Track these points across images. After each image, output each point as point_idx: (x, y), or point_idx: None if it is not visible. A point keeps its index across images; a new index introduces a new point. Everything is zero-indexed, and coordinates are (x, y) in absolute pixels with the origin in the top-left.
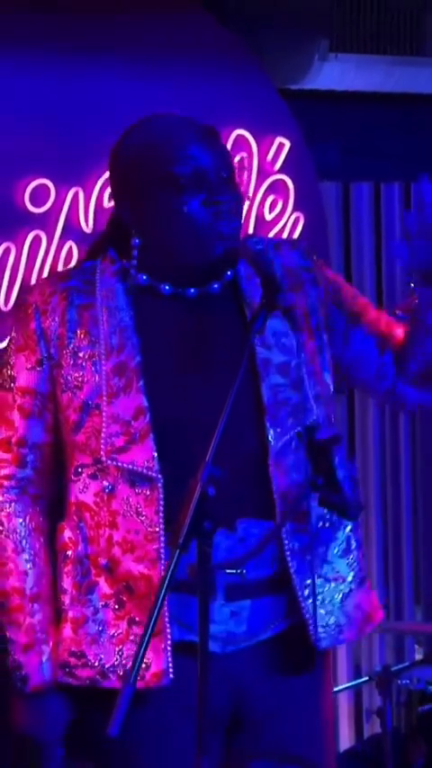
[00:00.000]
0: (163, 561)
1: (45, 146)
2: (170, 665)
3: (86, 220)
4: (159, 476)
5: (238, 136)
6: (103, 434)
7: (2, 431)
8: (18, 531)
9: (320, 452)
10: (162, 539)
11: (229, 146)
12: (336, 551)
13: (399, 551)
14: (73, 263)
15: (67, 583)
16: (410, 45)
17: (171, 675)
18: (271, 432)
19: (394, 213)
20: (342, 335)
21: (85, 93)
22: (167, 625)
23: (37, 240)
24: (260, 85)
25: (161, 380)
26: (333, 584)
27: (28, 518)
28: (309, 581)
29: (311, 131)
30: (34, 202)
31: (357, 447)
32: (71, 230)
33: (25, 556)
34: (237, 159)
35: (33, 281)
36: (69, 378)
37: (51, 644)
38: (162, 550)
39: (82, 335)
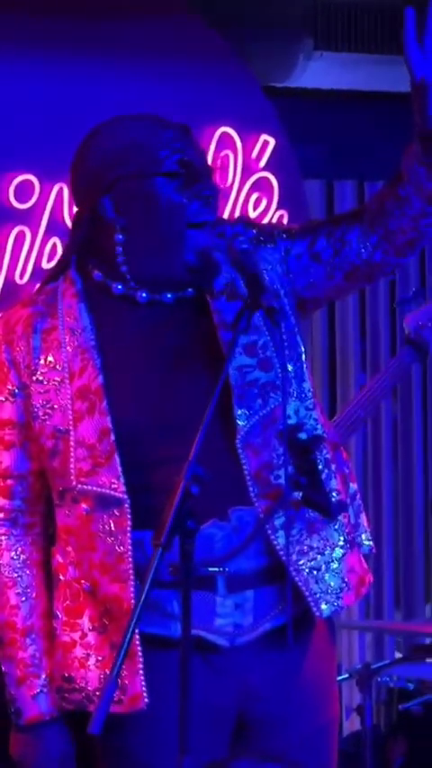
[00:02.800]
0: (132, 582)
1: (30, 142)
2: (143, 689)
3: (71, 216)
4: (125, 496)
5: (223, 133)
6: (71, 459)
7: None
8: (9, 564)
9: (303, 452)
10: (130, 559)
11: (213, 143)
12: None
13: (379, 551)
14: (56, 260)
15: (57, 607)
16: (395, 44)
17: (146, 699)
18: (239, 412)
19: None
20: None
21: (70, 90)
22: (138, 649)
23: (21, 236)
24: (245, 84)
25: (128, 397)
26: (327, 551)
27: (19, 550)
28: (299, 558)
29: (296, 129)
30: (18, 198)
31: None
32: (55, 226)
33: (17, 589)
34: (221, 156)
35: (17, 277)
36: (38, 405)
37: (45, 676)
38: (131, 571)
39: (46, 361)
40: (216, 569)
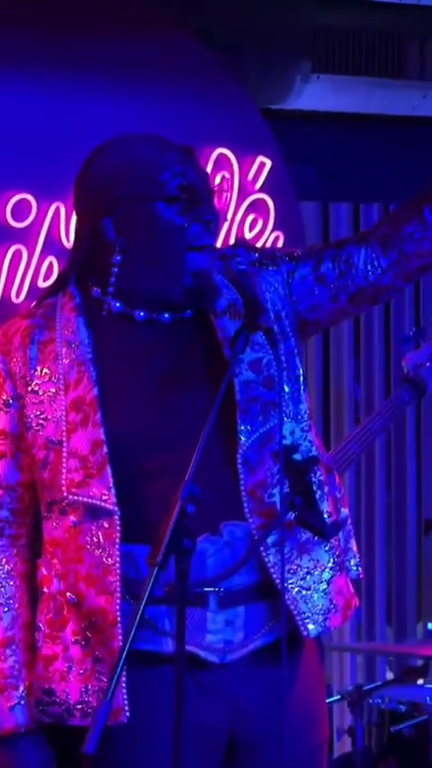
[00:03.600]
0: (118, 594)
1: (27, 161)
2: (125, 703)
3: (67, 235)
4: (116, 508)
5: (220, 155)
6: (63, 470)
7: None
8: None
9: (298, 473)
10: (118, 571)
11: (210, 164)
12: (314, 538)
13: (371, 573)
14: (53, 279)
15: (40, 620)
16: (391, 67)
17: (127, 713)
18: (242, 427)
19: None
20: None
21: (68, 109)
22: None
23: (18, 254)
24: (242, 105)
25: (123, 410)
26: (317, 572)
27: (3, 561)
28: (289, 577)
29: (292, 151)
30: (15, 217)
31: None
32: (52, 245)
33: (0, 599)
34: (218, 178)
35: (13, 295)
36: (32, 416)
37: (23, 687)
38: (118, 583)
39: (42, 372)
40: (211, 589)
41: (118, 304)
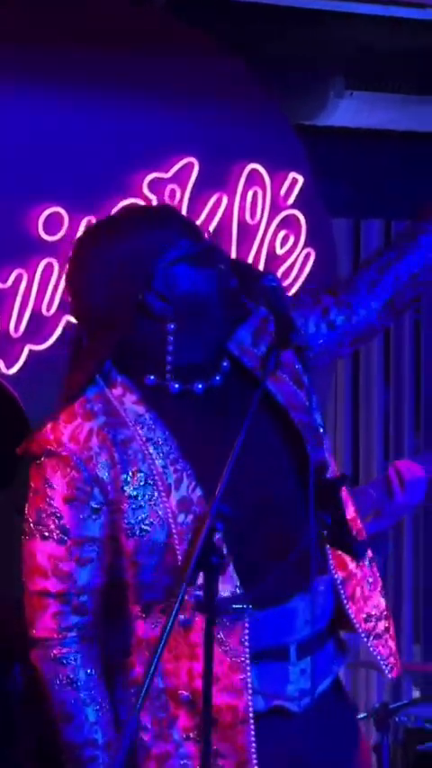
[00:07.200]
0: (249, 691)
1: (59, 174)
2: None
3: None
4: (244, 606)
5: (252, 170)
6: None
7: (56, 584)
8: (85, 682)
9: (329, 491)
10: (248, 668)
11: (242, 180)
12: (368, 585)
13: (399, 590)
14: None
15: (146, 719)
16: (425, 85)
17: None
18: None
19: None
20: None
21: (100, 123)
22: (254, 755)
23: (49, 268)
24: (275, 121)
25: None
26: (382, 618)
27: (92, 666)
28: (365, 620)
29: (325, 168)
30: (47, 230)
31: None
32: None
33: (95, 707)
34: (250, 194)
35: (44, 309)
36: (133, 521)
37: None
38: (249, 680)
39: (135, 475)
40: (240, 606)
41: (177, 385)
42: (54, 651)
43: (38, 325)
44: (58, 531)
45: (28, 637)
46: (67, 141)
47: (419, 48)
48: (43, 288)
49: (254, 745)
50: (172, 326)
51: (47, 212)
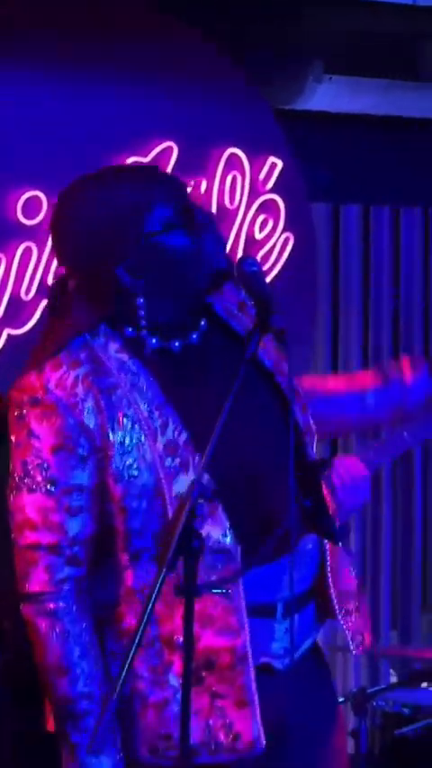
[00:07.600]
0: (246, 629)
1: (38, 158)
2: (261, 733)
3: None
4: (237, 546)
5: (231, 155)
6: (168, 516)
7: (47, 536)
8: (81, 634)
9: (310, 474)
10: (243, 609)
11: (221, 164)
12: (343, 561)
13: (376, 576)
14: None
15: (140, 668)
16: (404, 69)
17: (263, 743)
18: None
19: (383, 236)
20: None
21: (79, 107)
22: (255, 695)
23: (28, 252)
24: (254, 106)
25: (219, 449)
26: (352, 597)
27: (87, 619)
28: (338, 594)
29: (304, 152)
30: (26, 214)
31: None
32: None
33: (90, 660)
34: (229, 178)
35: (23, 293)
36: (120, 466)
37: (119, 740)
38: (245, 619)
39: (121, 421)
40: (219, 591)
41: (154, 340)
42: (50, 605)
43: (16, 310)
44: (45, 483)
45: (20, 593)
46: (45, 125)
47: (399, 32)
48: (22, 272)
49: (254, 683)
50: (141, 300)
51: (25, 196)
